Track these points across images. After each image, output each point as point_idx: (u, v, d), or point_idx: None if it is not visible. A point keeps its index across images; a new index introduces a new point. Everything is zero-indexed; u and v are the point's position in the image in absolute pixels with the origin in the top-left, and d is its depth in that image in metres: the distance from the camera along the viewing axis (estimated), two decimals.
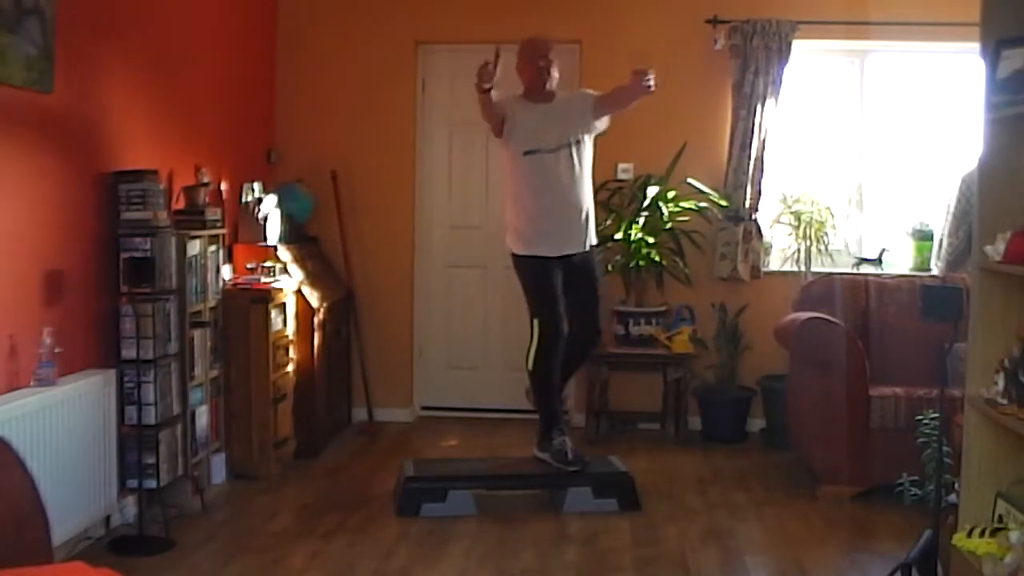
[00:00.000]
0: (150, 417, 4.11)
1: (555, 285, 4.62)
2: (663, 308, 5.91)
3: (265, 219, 5.38)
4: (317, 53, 6.18)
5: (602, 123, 4.70)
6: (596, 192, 5.92)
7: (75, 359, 3.93)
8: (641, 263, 5.79)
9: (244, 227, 5.42)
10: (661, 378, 5.87)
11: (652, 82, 4.38)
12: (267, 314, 4.94)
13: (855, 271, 5.76)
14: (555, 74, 4.64)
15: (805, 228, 5.87)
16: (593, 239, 4.76)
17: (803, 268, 5.88)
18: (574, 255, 4.66)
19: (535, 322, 4.60)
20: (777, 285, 5.94)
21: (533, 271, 4.65)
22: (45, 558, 2.75)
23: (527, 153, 4.58)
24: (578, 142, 4.64)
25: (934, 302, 3.34)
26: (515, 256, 4.70)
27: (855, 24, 5.84)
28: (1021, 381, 2.96)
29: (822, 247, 5.88)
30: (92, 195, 4.09)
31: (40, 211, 3.76)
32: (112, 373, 4.03)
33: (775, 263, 6.12)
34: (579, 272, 4.68)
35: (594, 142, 4.73)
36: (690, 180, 5.93)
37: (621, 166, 6.01)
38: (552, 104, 4.67)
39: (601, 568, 3.94)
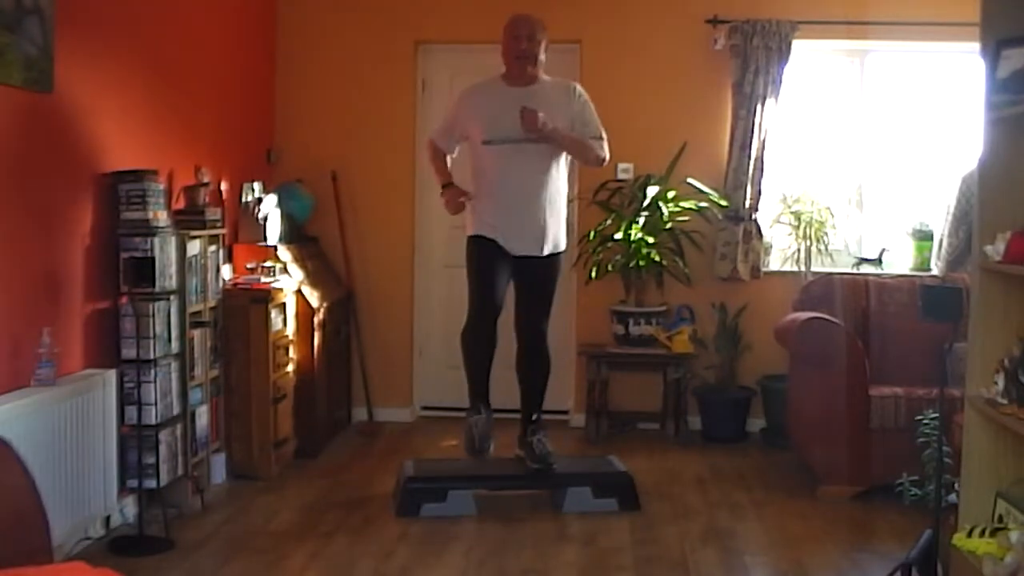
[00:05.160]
0: (150, 417, 4.11)
1: (492, 270, 4.42)
2: (663, 308, 5.90)
3: (265, 219, 5.38)
4: (317, 53, 6.17)
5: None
6: (596, 192, 5.98)
7: (75, 359, 3.93)
8: (641, 263, 5.79)
9: (244, 227, 5.42)
10: (661, 378, 5.87)
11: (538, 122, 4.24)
12: (267, 314, 4.94)
13: (855, 271, 5.76)
14: (540, 57, 4.40)
15: (805, 228, 5.87)
16: (559, 245, 4.54)
17: (803, 268, 5.87)
18: (530, 258, 4.46)
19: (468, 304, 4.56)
20: (777, 285, 5.94)
21: (475, 249, 4.49)
22: (45, 558, 2.75)
23: (486, 143, 4.39)
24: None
25: (934, 302, 3.35)
26: (467, 238, 4.56)
27: (855, 24, 5.84)
28: (1021, 381, 2.97)
29: (822, 247, 5.89)
30: (92, 195, 4.09)
31: (40, 211, 3.76)
32: (112, 373, 4.03)
33: (775, 263, 6.11)
34: (531, 277, 4.50)
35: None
36: (690, 180, 5.93)
37: (621, 166, 6.00)
38: (530, 89, 4.41)
39: (601, 568, 3.94)
